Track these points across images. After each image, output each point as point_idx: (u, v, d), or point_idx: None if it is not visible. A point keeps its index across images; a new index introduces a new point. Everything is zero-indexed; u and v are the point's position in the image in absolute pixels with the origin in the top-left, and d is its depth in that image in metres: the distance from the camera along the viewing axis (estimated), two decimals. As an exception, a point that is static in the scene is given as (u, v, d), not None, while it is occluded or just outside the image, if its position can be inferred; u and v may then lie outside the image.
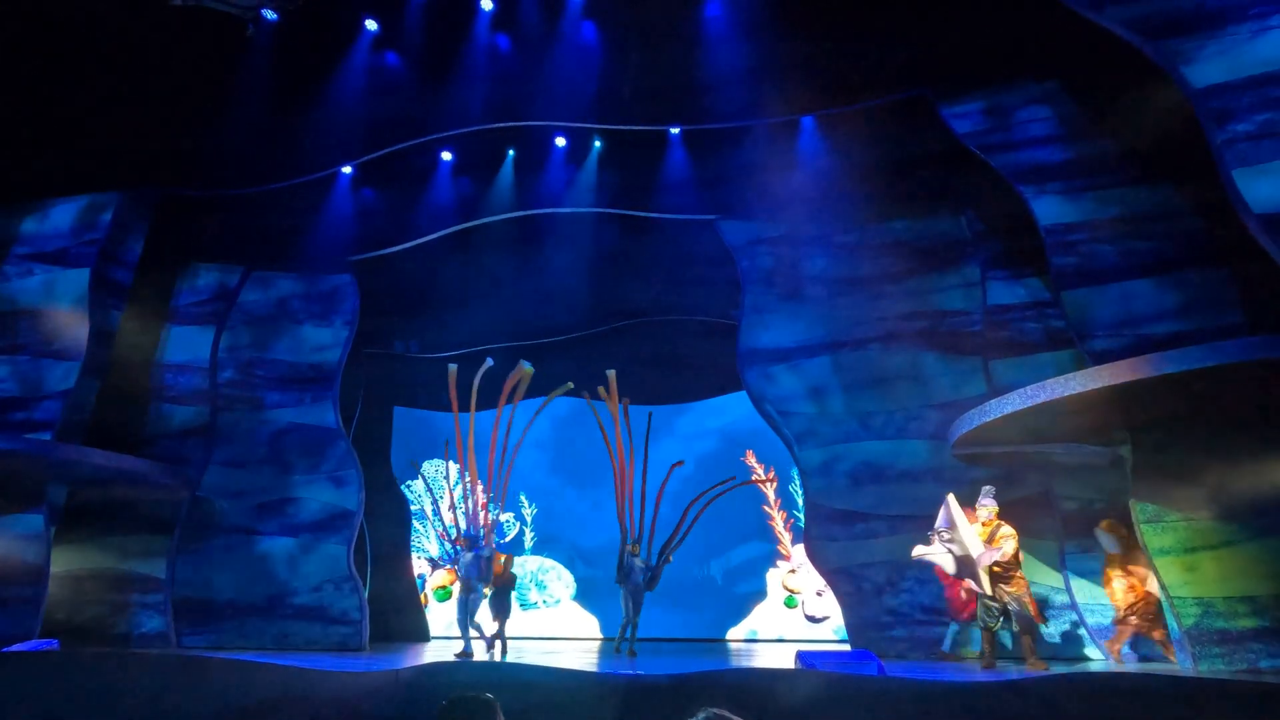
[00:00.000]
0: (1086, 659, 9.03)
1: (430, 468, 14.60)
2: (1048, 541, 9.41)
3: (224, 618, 11.14)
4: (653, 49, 10.82)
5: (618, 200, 11.94)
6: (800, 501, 12.53)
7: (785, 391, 10.82)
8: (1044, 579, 9.41)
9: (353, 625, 11.05)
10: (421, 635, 13.62)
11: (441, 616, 14.11)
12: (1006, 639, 8.61)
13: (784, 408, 10.78)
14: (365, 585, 11.84)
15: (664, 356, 13.60)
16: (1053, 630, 9.29)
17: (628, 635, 10.33)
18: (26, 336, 10.71)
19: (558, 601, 14.03)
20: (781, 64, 10.29)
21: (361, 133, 11.41)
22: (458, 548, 9.62)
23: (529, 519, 14.27)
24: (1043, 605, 9.32)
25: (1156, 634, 8.25)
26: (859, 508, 10.16)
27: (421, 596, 14.14)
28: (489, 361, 10.18)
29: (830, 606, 13.04)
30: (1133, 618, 8.37)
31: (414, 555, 14.41)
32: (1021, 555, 8.10)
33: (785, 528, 14.01)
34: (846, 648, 10.30)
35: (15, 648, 7.69)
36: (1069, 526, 9.20)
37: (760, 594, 13.77)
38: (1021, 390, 7.41)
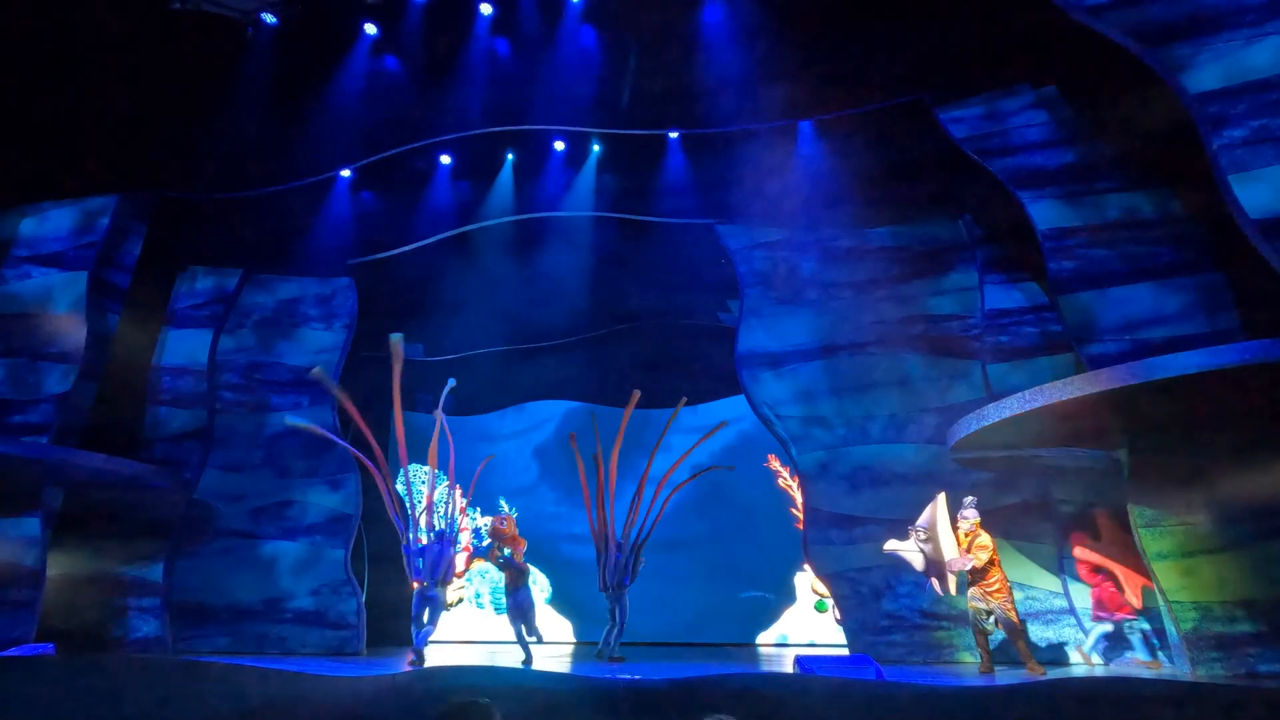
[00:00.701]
0: (1085, 664, 9.03)
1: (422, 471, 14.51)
2: (1045, 545, 9.42)
3: (221, 622, 11.12)
4: (652, 53, 10.86)
5: (617, 204, 11.97)
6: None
7: (782, 395, 10.83)
8: (1041, 583, 9.42)
9: (351, 629, 11.02)
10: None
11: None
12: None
13: (781, 411, 10.78)
14: (363, 589, 11.80)
15: (662, 359, 13.58)
16: (1050, 635, 9.29)
17: (611, 640, 10.02)
18: (23, 339, 10.68)
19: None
20: (780, 68, 10.32)
21: (360, 136, 11.43)
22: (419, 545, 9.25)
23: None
24: (1039, 610, 9.33)
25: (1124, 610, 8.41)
26: (857, 511, 10.15)
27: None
28: (451, 382, 10.17)
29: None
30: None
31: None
32: (999, 561, 8.15)
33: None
34: (845, 652, 10.28)
35: (11, 652, 7.67)
36: (1066, 530, 9.21)
37: (790, 598, 13.67)
38: (1019, 394, 7.42)
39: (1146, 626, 8.48)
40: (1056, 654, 9.13)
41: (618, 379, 11.90)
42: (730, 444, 13.68)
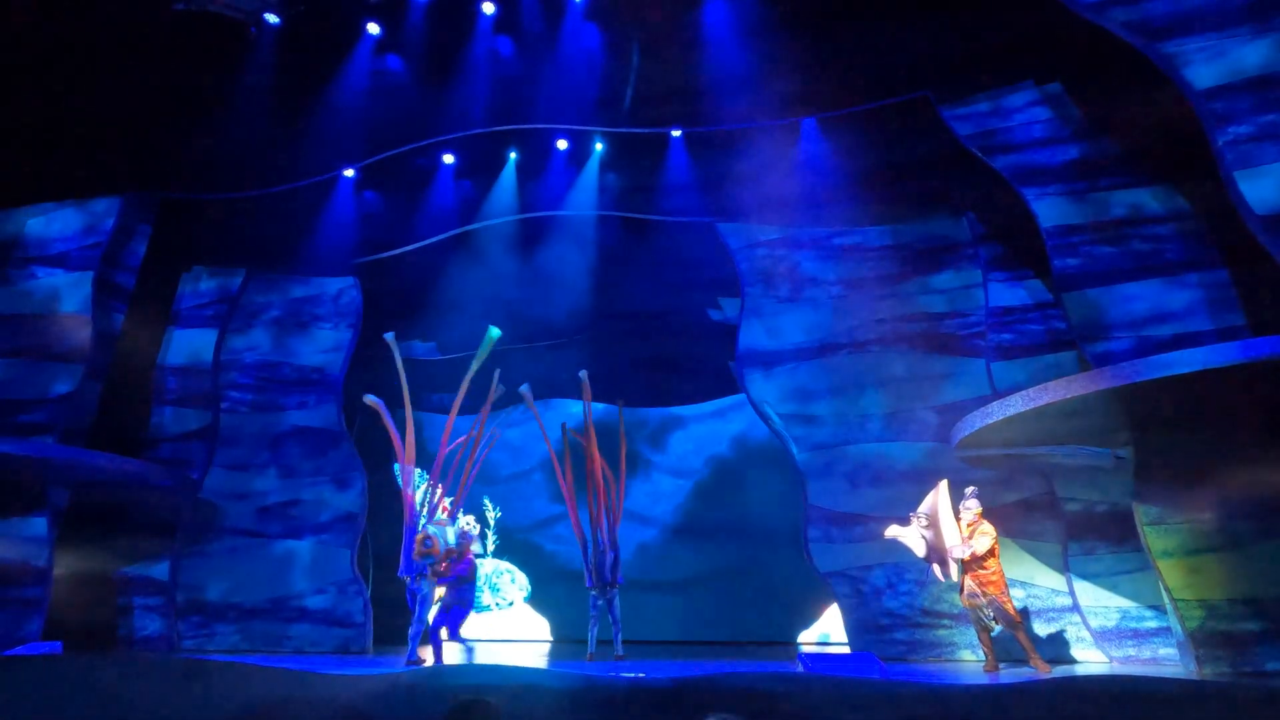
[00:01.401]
0: (1090, 662, 9.01)
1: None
2: (1050, 544, 9.40)
3: (228, 621, 11.16)
4: (654, 51, 10.85)
5: (620, 203, 11.97)
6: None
7: (782, 393, 10.82)
8: (1046, 581, 9.39)
9: (357, 627, 11.05)
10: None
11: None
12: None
13: (782, 410, 10.77)
14: (368, 587, 11.84)
15: (665, 358, 13.58)
16: (1055, 633, 9.28)
17: (614, 640, 9.77)
18: (29, 340, 10.73)
19: (510, 604, 13.86)
20: (783, 65, 10.30)
21: (363, 136, 11.44)
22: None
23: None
24: (1041, 608, 9.32)
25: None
26: (858, 510, 10.14)
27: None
28: (501, 387, 10.27)
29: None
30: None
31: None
32: (999, 553, 8.08)
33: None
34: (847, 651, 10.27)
35: (18, 650, 7.72)
36: (1071, 528, 9.18)
37: (829, 597, 13.52)
38: (1024, 392, 7.40)
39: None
40: (1059, 653, 9.10)
41: (619, 377, 11.88)
42: (723, 448, 13.70)
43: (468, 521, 8.97)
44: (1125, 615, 8.82)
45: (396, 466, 12.00)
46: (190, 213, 11.77)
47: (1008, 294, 10.01)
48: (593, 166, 11.79)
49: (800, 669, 6.85)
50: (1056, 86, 9.27)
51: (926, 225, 10.88)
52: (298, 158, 11.45)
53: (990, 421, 7.83)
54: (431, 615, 9.11)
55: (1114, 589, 8.88)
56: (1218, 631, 7.09)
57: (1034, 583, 9.38)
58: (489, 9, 10.82)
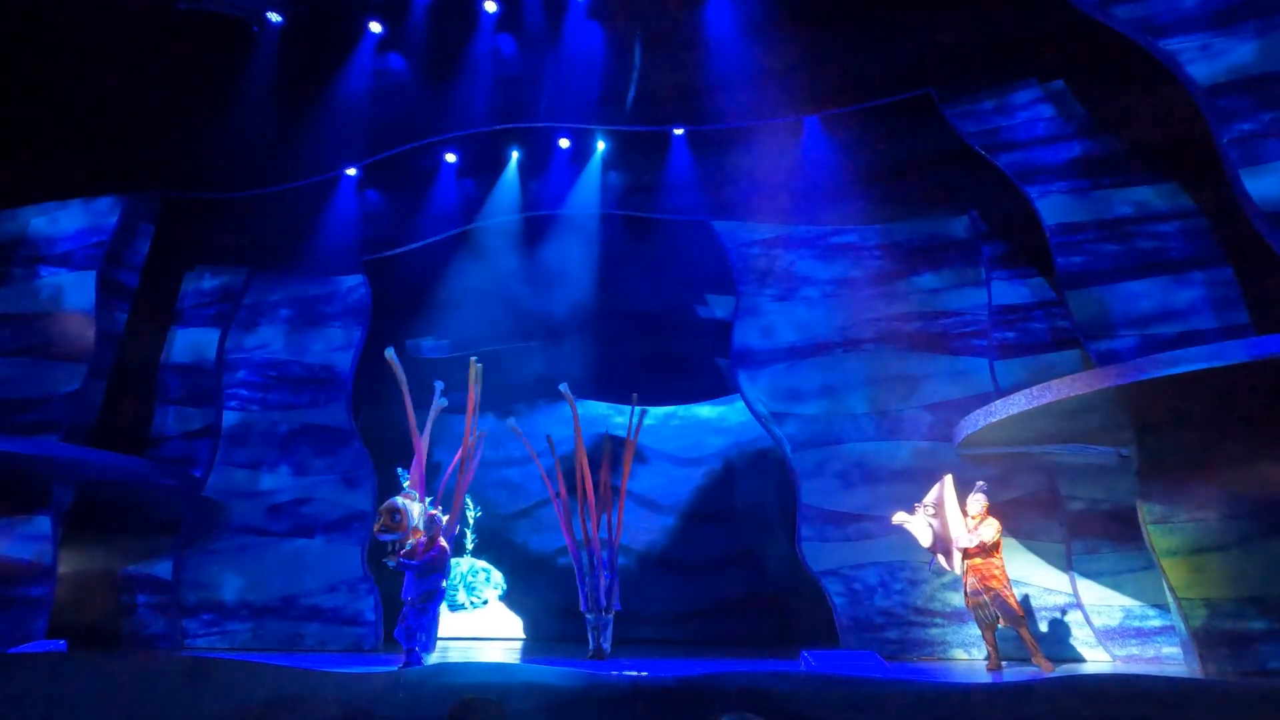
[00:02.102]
0: (1093, 661, 9.00)
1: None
2: (1053, 543, 9.38)
3: (237, 619, 11.14)
4: (657, 50, 10.84)
5: (622, 201, 11.96)
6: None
7: (777, 392, 10.78)
8: (1049, 580, 9.38)
9: (367, 626, 11.02)
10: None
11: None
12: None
13: (776, 408, 10.75)
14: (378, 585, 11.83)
15: (666, 357, 13.57)
16: (1058, 632, 9.26)
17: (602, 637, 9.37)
18: (33, 339, 10.76)
19: (484, 603, 13.83)
20: (786, 64, 10.30)
21: (366, 135, 11.45)
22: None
23: (471, 521, 14.04)
24: (1041, 607, 9.29)
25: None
26: (852, 509, 10.11)
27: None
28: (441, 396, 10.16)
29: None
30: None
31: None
32: (1001, 546, 8.06)
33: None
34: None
35: (23, 648, 7.74)
36: (1075, 527, 9.17)
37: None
38: (1027, 391, 7.39)
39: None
40: (1062, 652, 9.08)
41: (620, 375, 11.87)
42: (723, 446, 13.68)
43: (438, 510, 8.60)
44: (1129, 614, 8.80)
45: (399, 469, 12.04)
46: (193, 212, 11.78)
47: (1010, 292, 9.99)
48: (595, 165, 11.78)
49: (803, 667, 6.84)
50: (1060, 84, 9.24)
51: (929, 223, 10.85)
52: (300, 157, 11.45)
53: (994, 420, 7.81)
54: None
55: (1117, 588, 8.87)
56: (1222, 630, 7.06)
57: (1032, 581, 9.37)
58: (491, 8, 10.82)
